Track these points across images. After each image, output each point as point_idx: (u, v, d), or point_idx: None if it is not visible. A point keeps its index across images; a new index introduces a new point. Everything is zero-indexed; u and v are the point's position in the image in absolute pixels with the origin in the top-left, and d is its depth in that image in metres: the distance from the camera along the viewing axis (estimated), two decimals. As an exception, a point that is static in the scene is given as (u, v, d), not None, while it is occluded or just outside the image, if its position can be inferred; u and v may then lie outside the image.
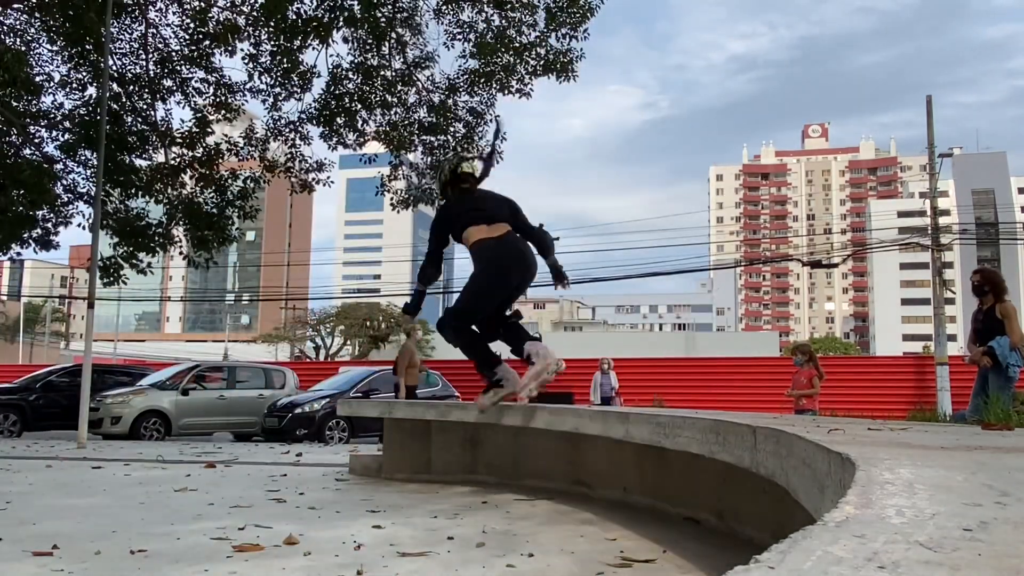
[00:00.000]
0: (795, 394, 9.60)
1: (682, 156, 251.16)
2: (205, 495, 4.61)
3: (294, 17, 12.49)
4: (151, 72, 13.68)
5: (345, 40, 13.06)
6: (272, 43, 13.14)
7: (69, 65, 13.45)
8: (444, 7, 12.89)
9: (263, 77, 13.40)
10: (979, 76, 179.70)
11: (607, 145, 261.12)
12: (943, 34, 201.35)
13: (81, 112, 13.32)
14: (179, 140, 13.77)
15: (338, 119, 13.51)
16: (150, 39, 13.58)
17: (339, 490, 4.98)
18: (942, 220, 22.85)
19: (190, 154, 13.75)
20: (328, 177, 14.63)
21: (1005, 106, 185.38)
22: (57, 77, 13.54)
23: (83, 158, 13.46)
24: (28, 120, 13.24)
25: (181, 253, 14.12)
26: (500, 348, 4.70)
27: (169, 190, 13.81)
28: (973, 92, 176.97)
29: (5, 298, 68.85)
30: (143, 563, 2.68)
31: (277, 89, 13.53)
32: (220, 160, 13.86)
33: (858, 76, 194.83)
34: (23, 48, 13.25)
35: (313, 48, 13.21)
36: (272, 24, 12.45)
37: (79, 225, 13.17)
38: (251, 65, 13.25)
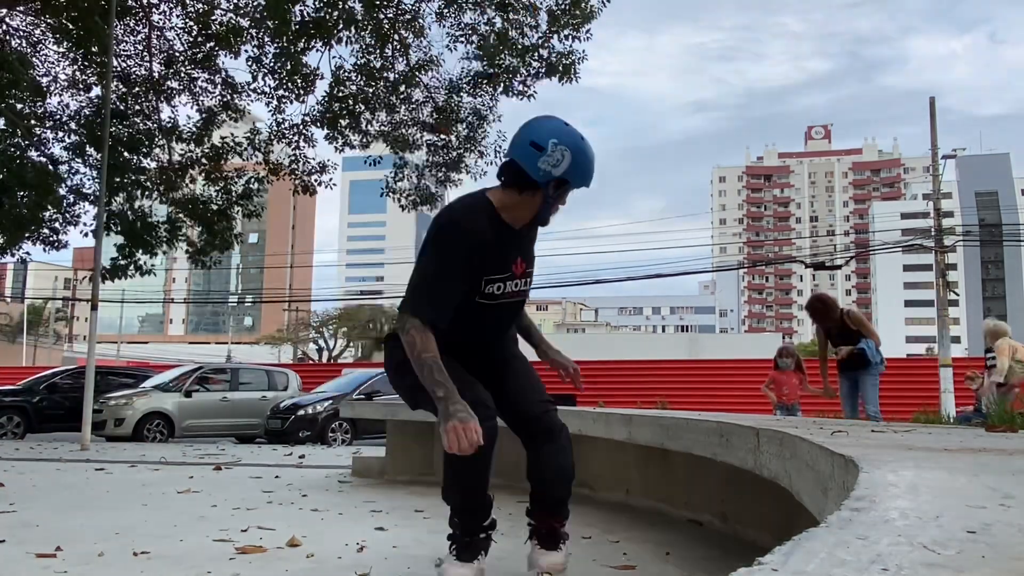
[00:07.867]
0: (812, 391, 9.00)
1: (648, 176, 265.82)
2: (208, 497, 4.62)
3: (297, 19, 12.50)
4: (155, 73, 13.72)
5: (339, 42, 13.03)
6: (275, 45, 13.16)
7: (74, 67, 13.49)
8: (446, 9, 12.89)
9: (266, 79, 13.44)
10: (911, 113, 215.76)
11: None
12: (870, 83, 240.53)
13: (86, 113, 13.36)
14: (185, 137, 13.81)
15: (341, 121, 13.52)
16: (154, 40, 13.62)
17: (342, 492, 4.99)
18: (945, 222, 22.83)
19: (197, 151, 13.79)
20: (331, 179, 14.64)
21: (940, 138, 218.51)
22: (62, 78, 13.59)
23: (89, 159, 13.51)
24: (33, 122, 13.27)
25: (187, 252, 14.13)
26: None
27: (173, 191, 13.83)
28: (908, 125, 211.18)
29: (9, 300, 68.95)
30: (146, 565, 2.69)
31: (280, 91, 13.55)
32: (225, 159, 13.89)
33: (801, 115, 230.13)
34: (28, 50, 13.30)
35: (316, 50, 13.23)
36: (274, 26, 12.46)
37: (81, 231, 13.15)
38: (255, 67, 13.28)
